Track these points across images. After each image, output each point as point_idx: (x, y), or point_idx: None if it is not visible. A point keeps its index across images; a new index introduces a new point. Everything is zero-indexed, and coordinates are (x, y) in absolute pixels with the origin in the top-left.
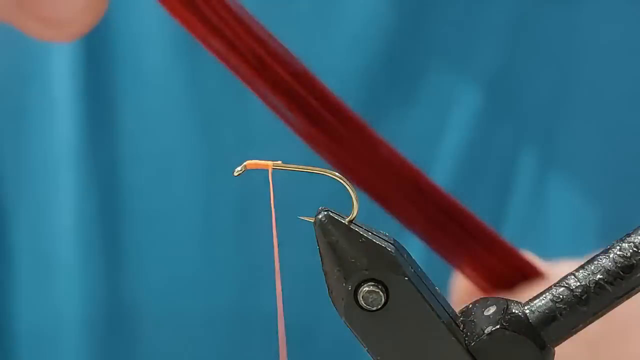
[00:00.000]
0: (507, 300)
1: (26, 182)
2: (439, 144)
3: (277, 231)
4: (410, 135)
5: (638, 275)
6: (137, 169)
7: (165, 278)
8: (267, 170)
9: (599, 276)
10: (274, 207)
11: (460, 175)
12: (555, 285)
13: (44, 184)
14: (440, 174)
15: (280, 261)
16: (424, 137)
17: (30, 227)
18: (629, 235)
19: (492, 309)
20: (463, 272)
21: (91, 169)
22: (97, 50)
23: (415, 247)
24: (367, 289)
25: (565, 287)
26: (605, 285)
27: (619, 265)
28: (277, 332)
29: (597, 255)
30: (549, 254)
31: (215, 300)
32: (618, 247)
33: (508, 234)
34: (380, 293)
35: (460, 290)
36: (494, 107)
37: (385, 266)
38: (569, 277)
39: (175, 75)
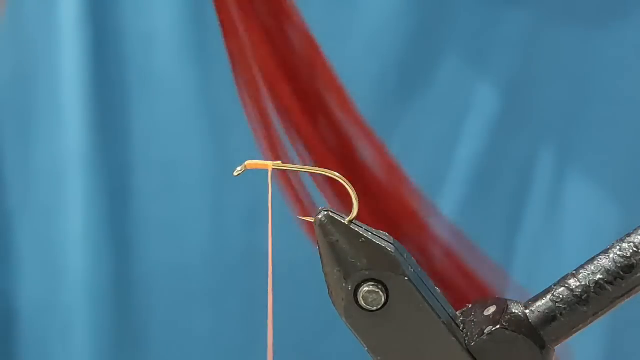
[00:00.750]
0: (507, 300)
1: (34, 187)
2: (455, 151)
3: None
4: (425, 142)
5: (638, 275)
6: (146, 174)
7: (174, 284)
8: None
9: (599, 276)
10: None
11: (475, 183)
12: (555, 285)
13: (52, 190)
14: (456, 181)
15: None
16: (439, 144)
17: (39, 232)
18: (629, 235)
19: (492, 309)
20: None
21: (100, 174)
22: (106, 54)
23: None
24: (367, 289)
25: (565, 287)
26: (605, 285)
27: (619, 265)
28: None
29: (597, 256)
30: (565, 262)
31: (224, 308)
32: (618, 247)
33: (524, 242)
34: (380, 293)
35: None
36: (510, 114)
37: (385, 266)
38: (569, 277)
39: (186, 80)
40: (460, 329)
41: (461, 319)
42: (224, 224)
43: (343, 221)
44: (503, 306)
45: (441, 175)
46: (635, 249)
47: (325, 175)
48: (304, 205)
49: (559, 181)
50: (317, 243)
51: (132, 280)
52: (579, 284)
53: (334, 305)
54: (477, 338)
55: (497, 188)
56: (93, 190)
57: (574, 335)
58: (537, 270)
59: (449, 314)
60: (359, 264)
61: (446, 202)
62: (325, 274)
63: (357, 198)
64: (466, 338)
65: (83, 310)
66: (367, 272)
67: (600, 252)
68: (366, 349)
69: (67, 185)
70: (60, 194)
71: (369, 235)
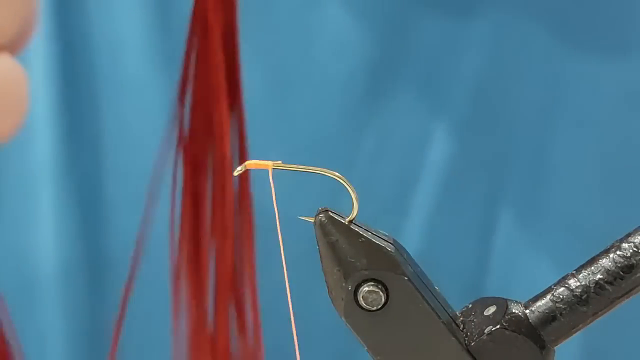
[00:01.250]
0: (507, 300)
1: (4, 198)
2: (426, 154)
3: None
4: (395, 146)
5: (638, 275)
6: (117, 181)
7: (150, 292)
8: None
9: (599, 276)
10: (276, 207)
11: (447, 185)
12: (555, 285)
13: (22, 200)
14: (428, 184)
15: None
16: (410, 147)
17: (9, 244)
18: (629, 235)
19: (492, 309)
20: None
21: (70, 183)
22: (75, 63)
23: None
24: (367, 289)
25: (565, 287)
26: (605, 285)
27: (619, 265)
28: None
29: (597, 256)
30: (540, 263)
31: None
32: (618, 247)
33: (498, 243)
34: (380, 293)
35: None
36: (480, 116)
37: (385, 266)
38: (569, 277)
39: (154, 88)
40: (460, 329)
41: (461, 319)
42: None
43: (343, 221)
44: (503, 306)
45: (412, 178)
46: (635, 249)
47: (325, 175)
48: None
49: (532, 180)
50: (317, 243)
51: (106, 290)
52: (579, 284)
53: (334, 305)
54: (477, 338)
55: (469, 190)
56: (64, 199)
57: (574, 335)
58: (514, 272)
59: (449, 314)
60: (358, 263)
61: (418, 205)
62: (325, 274)
63: (357, 198)
64: (466, 338)
65: (56, 318)
66: (367, 272)
67: (600, 252)
68: (366, 348)
69: (38, 195)
70: (30, 205)
71: (368, 235)
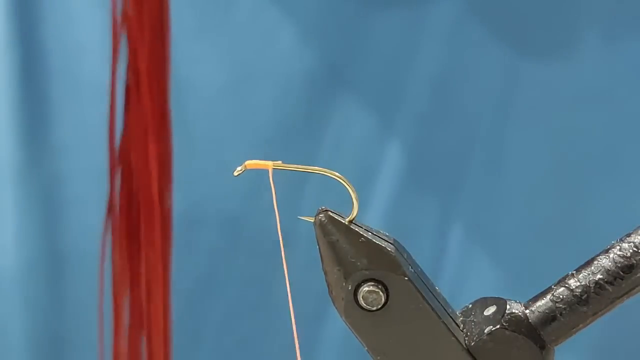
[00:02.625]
0: (507, 300)
1: None
2: (386, 146)
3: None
4: (356, 138)
5: (638, 275)
6: (77, 183)
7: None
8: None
9: (599, 276)
10: (276, 207)
11: (407, 177)
12: (555, 285)
13: None
14: (388, 175)
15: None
16: (370, 139)
17: None
18: (629, 235)
19: (492, 309)
20: None
21: (31, 184)
22: (35, 67)
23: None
24: (367, 288)
25: (565, 287)
26: (605, 285)
27: (619, 265)
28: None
29: (597, 256)
30: (499, 255)
31: None
32: (618, 247)
33: (457, 234)
34: (380, 293)
35: None
36: (439, 107)
37: (385, 266)
38: (569, 277)
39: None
40: (460, 329)
41: (461, 319)
42: None
43: (343, 221)
44: (503, 306)
45: (373, 169)
46: (635, 249)
47: (325, 175)
48: None
49: (489, 177)
50: (317, 243)
51: (67, 291)
52: (579, 284)
53: (334, 305)
54: (477, 338)
55: (429, 181)
56: (24, 201)
57: (574, 335)
58: (470, 264)
59: (449, 314)
60: (359, 263)
61: (378, 196)
62: (325, 274)
63: (357, 198)
64: (466, 338)
65: (15, 317)
66: (367, 272)
67: (600, 252)
68: (366, 348)
69: None
70: None
71: (369, 235)
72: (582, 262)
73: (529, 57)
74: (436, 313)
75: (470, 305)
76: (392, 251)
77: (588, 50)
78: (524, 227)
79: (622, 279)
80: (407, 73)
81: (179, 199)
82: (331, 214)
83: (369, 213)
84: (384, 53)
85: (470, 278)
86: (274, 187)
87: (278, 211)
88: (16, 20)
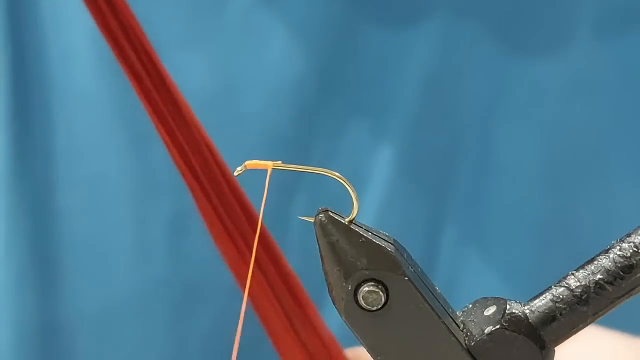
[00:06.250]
0: (507, 300)
1: None
2: (377, 150)
3: None
4: (347, 143)
5: (638, 275)
6: (68, 190)
7: (99, 301)
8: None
9: (599, 276)
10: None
11: (398, 181)
12: (555, 285)
13: None
14: (379, 180)
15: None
16: (361, 144)
17: None
18: (629, 235)
19: (492, 309)
20: None
21: (22, 191)
22: (26, 72)
23: (415, 247)
24: (367, 289)
25: (565, 287)
26: (605, 285)
27: (619, 265)
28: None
29: (597, 256)
30: (489, 257)
31: (149, 320)
32: (618, 247)
33: (448, 238)
34: (380, 293)
35: None
36: (430, 110)
37: (385, 266)
38: (569, 277)
39: (105, 95)
40: (460, 329)
41: (461, 319)
42: (147, 238)
43: (343, 221)
44: (503, 306)
45: (362, 178)
46: (635, 249)
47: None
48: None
49: (478, 177)
50: (317, 243)
51: (56, 298)
52: (579, 284)
53: (334, 305)
54: (477, 338)
55: (419, 185)
56: (15, 208)
57: (574, 335)
58: (462, 266)
59: (449, 314)
60: (359, 263)
61: (370, 201)
62: (325, 274)
63: (357, 198)
64: (466, 338)
65: (5, 330)
66: (367, 272)
67: (600, 252)
68: (366, 348)
69: None
70: None
71: (369, 235)
72: (575, 259)
73: (519, 55)
74: (436, 313)
75: (470, 305)
76: (392, 251)
77: (578, 48)
78: (516, 227)
79: (622, 279)
80: (397, 77)
81: (168, 206)
82: (331, 214)
83: (361, 217)
84: (373, 61)
85: (464, 279)
86: (267, 189)
87: (263, 213)
88: (4, 26)
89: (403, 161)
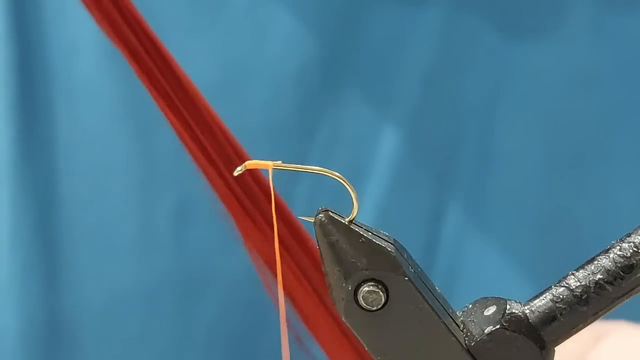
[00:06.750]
0: (507, 300)
1: None
2: (377, 143)
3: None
4: (348, 136)
5: (638, 275)
6: (73, 181)
7: (104, 290)
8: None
9: (599, 276)
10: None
11: (398, 173)
12: (555, 285)
13: None
14: (379, 172)
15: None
16: (362, 136)
17: None
18: (629, 235)
19: (492, 309)
20: None
21: (26, 181)
22: (31, 64)
23: (416, 247)
24: (367, 289)
25: (565, 287)
26: (605, 285)
27: (619, 265)
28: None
29: (597, 255)
30: (489, 250)
31: (154, 311)
32: (618, 247)
33: (448, 230)
34: (380, 293)
35: None
36: (430, 103)
37: (385, 266)
38: (569, 277)
39: (109, 87)
40: (460, 329)
41: (461, 319)
42: (152, 228)
43: (343, 221)
44: (503, 306)
45: (364, 168)
46: (635, 249)
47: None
48: None
49: (479, 167)
50: (317, 243)
51: (61, 287)
52: (579, 284)
53: (334, 305)
54: (477, 338)
55: (419, 178)
56: (20, 198)
57: (574, 335)
58: (462, 258)
59: (449, 314)
60: (359, 263)
61: (370, 194)
62: (325, 274)
63: (357, 198)
64: (466, 338)
65: (10, 318)
66: (367, 272)
67: (600, 252)
68: (366, 348)
69: None
70: None
71: (369, 235)
72: (577, 248)
73: (520, 41)
74: (436, 313)
75: (470, 305)
76: (392, 251)
77: (580, 38)
78: (518, 215)
79: (622, 279)
80: (399, 66)
81: (173, 195)
82: (331, 214)
83: (360, 210)
84: (375, 50)
85: (466, 268)
86: (272, 187)
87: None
88: (11, 17)
89: (406, 150)
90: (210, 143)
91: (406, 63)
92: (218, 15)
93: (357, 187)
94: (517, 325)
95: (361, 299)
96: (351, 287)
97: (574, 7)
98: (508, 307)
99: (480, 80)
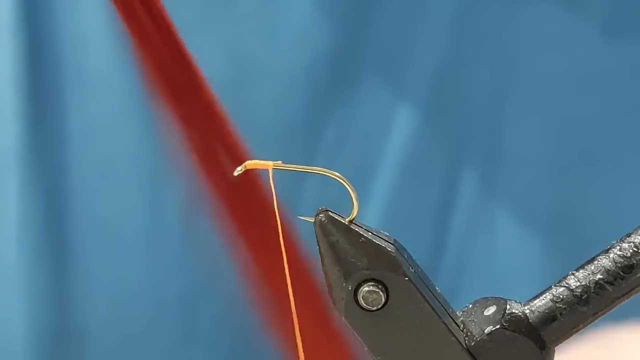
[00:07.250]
0: (507, 300)
1: None
2: (386, 138)
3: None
4: (357, 132)
5: (638, 275)
6: (82, 173)
7: (112, 283)
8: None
9: (599, 276)
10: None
11: (407, 168)
12: (555, 285)
13: None
14: (388, 168)
15: None
16: (371, 132)
17: None
18: (629, 235)
19: (492, 309)
20: None
21: (35, 173)
22: (41, 55)
23: (416, 247)
24: (367, 288)
25: (565, 287)
26: (605, 285)
27: (619, 265)
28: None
29: (597, 255)
30: (498, 246)
31: (161, 303)
32: (618, 247)
33: (457, 226)
34: (380, 293)
35: None
36: (439, 98)
37: (385, 266)
38: (569, 277)
39: (120, 79)
40: (460, 329)
41: (461, 319)
42: (161, 221)
43: (343, 221)
44: (503, 306)
45: (373, 163)
46: (635, 249)
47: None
48: None
49: (489, 163)
50: (317, 243)
51: (70, 280)
52: (579, 283)
53: (334, 305)
54: (477, 338)
55: (428, 174)
56: (29, 190)
57: (574, 335)
58: (470, 254)
59: (449, 314)
60: (359, 263)
61: (379, 189)
62: (325, 274)
63: (357, 198)
64: (466, 338)
65: (19, 311)
66: (367, 272)
67: (600, 252)
68: (366, 348)
69: (3, 186)
70: None
71: (369, 235)
72: (583, 247)
73: (528, 41)
74: (436, 313)
75: (470, 305)
76: (392, 251)
77: (590, 39)
78: (526, 213)
79: (622, 279)
80: (409, 63)
81: (180, 191)
82: (331, 214)
83: (369, 205)
84: (385, 46)
85: (473, 265)
86: (274, 188)
87: (278, 210)
88: (21, 7)
89: (415, 147)
90: (212, 141)
91: (416, 60)
92: (227, 10)
93: (366, 184)
94: (517, 325)
95: (361, 298)
96: (351, 287)
97: (584, 9)
98: (508, 307)
99: (489, 76)
